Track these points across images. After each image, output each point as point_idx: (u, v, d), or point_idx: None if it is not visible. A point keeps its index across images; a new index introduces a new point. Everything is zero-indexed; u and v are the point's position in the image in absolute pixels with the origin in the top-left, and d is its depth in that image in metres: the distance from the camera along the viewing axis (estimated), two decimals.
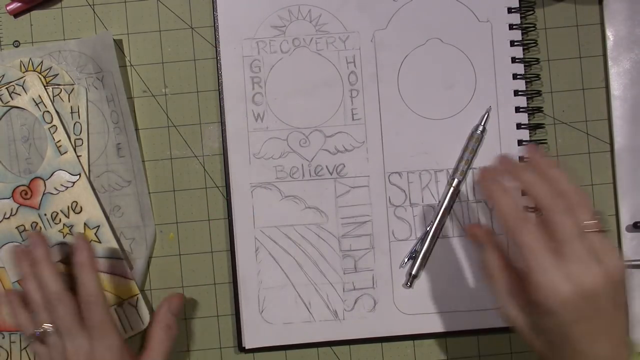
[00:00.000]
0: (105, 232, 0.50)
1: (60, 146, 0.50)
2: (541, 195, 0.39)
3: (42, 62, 0.50)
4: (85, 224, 0.50)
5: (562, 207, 0.39)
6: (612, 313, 0.38)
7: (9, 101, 0.50)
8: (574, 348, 0.38)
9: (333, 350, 0.51)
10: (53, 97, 0.50)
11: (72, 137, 0.50)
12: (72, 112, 0.50)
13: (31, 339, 0.45)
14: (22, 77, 0.50)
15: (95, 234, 0.50)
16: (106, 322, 0.44)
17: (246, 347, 0.50)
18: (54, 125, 0.50)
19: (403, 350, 0.51)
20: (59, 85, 0.51)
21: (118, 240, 0.51)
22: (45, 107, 0.50)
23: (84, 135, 0.50)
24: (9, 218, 0.50)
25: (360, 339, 0.51)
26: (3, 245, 0.50)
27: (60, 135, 0.50)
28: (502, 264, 0.42)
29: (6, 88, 0.50)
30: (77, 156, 0.50)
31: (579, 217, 0.39)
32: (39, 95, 0.50)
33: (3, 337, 0.50)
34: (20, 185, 0.50)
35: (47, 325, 0.44)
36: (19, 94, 0.50)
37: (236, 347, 0.51)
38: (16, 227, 0.50)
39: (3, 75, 0.50)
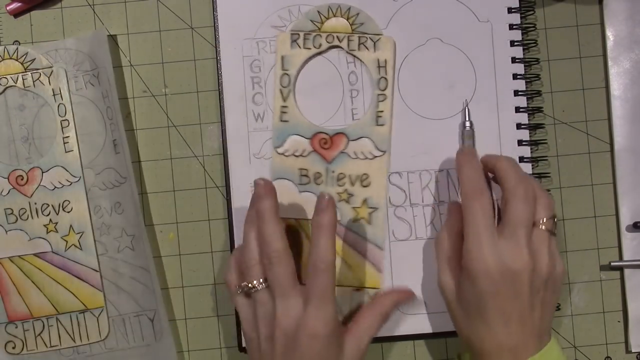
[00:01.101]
0: (88, 239, 0.50)
1: (67, 143, 0.50)
2: (509, 178, 0.43)
3: (17, 49, 0.50)
4: (71, 225, 0.50)
5: (522, 195, 0.42)
6: (531, 303, 0.41)
7: (29, 87, 0.50)
8: (487, 324, 0.41)
9: None
10: (34, 82, 0.50)
11: (58, 119, 0.50)
12: (54, 95, 0.50)
13: (238, 292, 0.44)
14: (50, 67, 0.50)
15: (78, 239, 0.50)
16: (329, 292, 0.41)
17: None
18: (67, 120, 0.50)
19: (403, 350, 0.51)
20: (38, 69, 0.50)
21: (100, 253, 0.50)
22: (62, 99, 0.50)
23: (69, 116, 0.50)
24: None
25: None
26: None
27: (70, 131, 0.50)
28: (454, 233, 0.45)
29: (31, 74, 0.50)
30: (66, 136, 0.50)
31: (536, 210, 0.42)
32: (59, 88, 0.50)
33: (16, 327, 0.50)
34: (17, 169, 0.50)
35: (258, 282, 0.42)
36: (43, 83, 0.50)
37: (236, 347, 0.51)
38: (4, 209, 0.50)
39: (33, 60, 0.50)
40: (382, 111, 0.49)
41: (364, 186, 0.49)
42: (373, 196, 0.49)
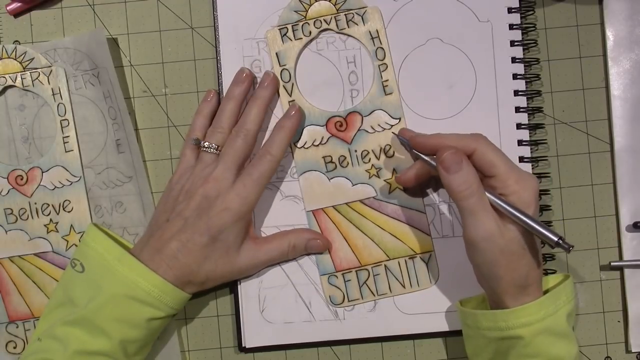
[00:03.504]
0: None
1: (67, 142, 0.50)
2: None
3: (15, 47, 0.50)
4: (71, 225, 0.50)
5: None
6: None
7: (29, 86, 0.50)
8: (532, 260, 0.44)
9: (333, 350, 0.51)
10: (32, 81, 0.50)
11: (58, 119, 0.50)
12: (53, 94, 0.50)
13: (190, 142, 0.49)
14: (49, 67, 0.50)
15: (79, 239, 0.50)
16: (262, 179, 0.46)
17: (246, 347, 0.50)
18: (66, 119, 0.50)
19: (403, 350, 0.51)
20: (37, 68, 0.51)
21: None
22: (62, 99, 0.50)
23: (69, 116, 0.50)
24: None
25: (360, 339, 0.51)
26: None
27: (71, 131, 0.50)
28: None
29: (30, 73, 0.50)
30: (66, 136, 0.50)
31: None
32: (59, 87, 0.50)
33: (17, 327, 0.50)
34: (17, 169, 0.50)
35: (214, 146, 0.47)
36: (42, 83, 0.50)
37: (236, 347, 0.51)
38: (3, 209, 0.50)
39: (32, 59, 0.50)
40: (387, 80, 0.50)
41: (389, 157, 0.50)
42: (401, 164, 0.50)
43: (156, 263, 0.45)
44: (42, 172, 0.50)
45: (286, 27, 0.50)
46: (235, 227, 0.46)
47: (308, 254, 0.50)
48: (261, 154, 0.47)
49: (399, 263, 0.50)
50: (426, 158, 0.46)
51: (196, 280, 0.46)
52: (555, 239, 0.42)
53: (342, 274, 0.50)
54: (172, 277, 0.45)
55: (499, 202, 0.42)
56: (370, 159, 0.50)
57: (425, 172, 0.47)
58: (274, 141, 0.47)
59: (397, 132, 0.49)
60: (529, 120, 0.51)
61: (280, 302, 0.50)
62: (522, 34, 0.51)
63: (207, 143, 0.47)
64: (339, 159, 0.50)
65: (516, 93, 0.51)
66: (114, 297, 0.43)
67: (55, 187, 0.50)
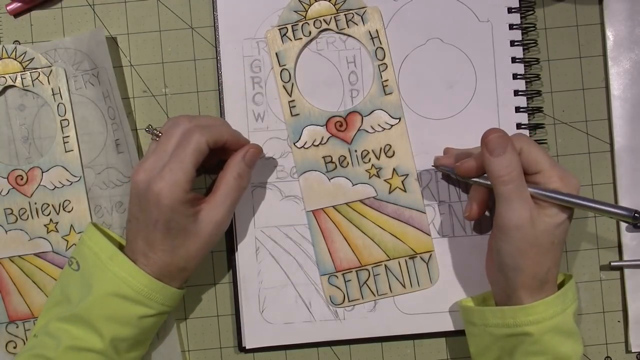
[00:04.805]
0: None
1: (67, 142, 0.50)
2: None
3: (15, 47, 0.50)
4: (71, 225, 0.50)
5: None
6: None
7: (29, 86, 0.50)
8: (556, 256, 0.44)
9: (333, 350, 0.51)
10: (32, 81, 0.50)
11: (58, 119, 0.50)
12: (53, 94, 0.50)
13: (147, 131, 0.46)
14: (49, 67, 0.50)
15: (79, 239, 0.49)
16: (188, 158, 0.43)
17: (246, 347, 0.50)
18: (67, 120, 0.50)
19: (403, 350, 0.51)
20: (37, 68, 0.51)
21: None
22: (62, 99, 0.50)
23: (69, 116, 0.50)
24: None
25: (360, 339, 0.51)
26: None
27: (71, 131, 0.50)
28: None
29: (30, 73, 0.50)
30: (66, 136, 0.50)
31: None
32: (59, 87, 0.50)
33: (17, 327, 0.51)
34: (17, 169, 0.50)
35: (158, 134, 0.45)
36: (42, 83, 0.50)
37: (236, 347, 0.51)
38: (3, 209, 0.50)
39: (32, 59, 0.50)
40: (387, 80, 0.50)
41: (389, 156, 0.50)
42: (400, 164, 0.50)
43: (139, 262, 0.44)
44: (42, 172, 0.50)
45: (286, 27, 0.50)
46: (179, 210, 0.43)
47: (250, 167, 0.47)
48: (187, 131, 0.44)
49: (399, 263, 0.50)
50: (481, 181, 0.46)
51: (175, 270, 0.45)
52: (630, 214, 0.42)
53: (343, 274, 0.50)
54: (153, 274, 0.44)
55: (558, 196, 0.42)
56: (370, 159, 0.50)
57: (486, 196, 0.47)
58: (211, 127, 0.45)
59: (434, 164, 0.49)
60: (529, 120, 0.51)
61: (280, 303, 0.50)
62: (522, 34, 0.51)
63: (156, 130, 0.45)
64: (339, 159, 0.50)
65: (516, 93, 0.51)
66: (105, 296, 0.43)
67: (55, 187, 0.50)
